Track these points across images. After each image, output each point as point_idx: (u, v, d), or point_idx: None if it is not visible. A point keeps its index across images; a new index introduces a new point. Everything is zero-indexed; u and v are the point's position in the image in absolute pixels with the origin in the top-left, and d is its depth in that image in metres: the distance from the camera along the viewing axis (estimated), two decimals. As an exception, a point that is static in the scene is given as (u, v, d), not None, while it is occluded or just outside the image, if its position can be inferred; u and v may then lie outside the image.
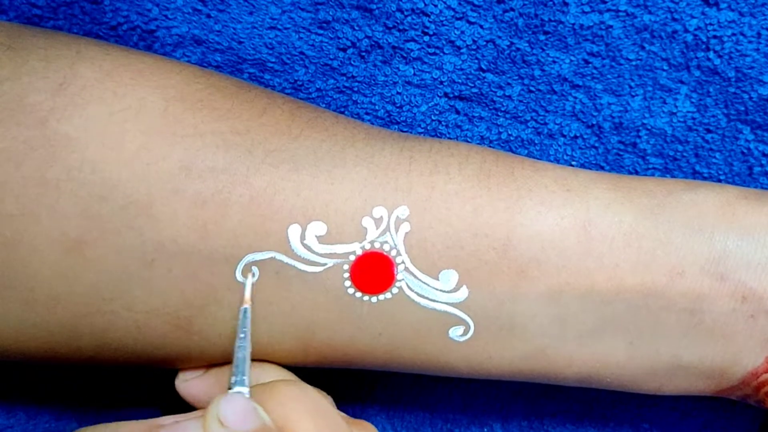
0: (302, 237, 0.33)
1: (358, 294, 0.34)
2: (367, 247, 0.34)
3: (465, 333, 0.35)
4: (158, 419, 0.32)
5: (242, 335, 0.33)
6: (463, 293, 0.34)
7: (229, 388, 0.32)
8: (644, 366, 0.36)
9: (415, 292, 0.34)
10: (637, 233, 0.35)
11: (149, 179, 0.33)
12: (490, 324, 0.35)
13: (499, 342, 0.35)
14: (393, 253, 0.34)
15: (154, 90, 0.34)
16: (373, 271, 0.34)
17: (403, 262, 0.34)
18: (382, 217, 0.34)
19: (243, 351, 0.33)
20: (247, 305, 0.34)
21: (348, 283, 0.34)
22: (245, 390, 0.32)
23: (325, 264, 0.34)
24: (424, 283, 0.34)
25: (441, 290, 0.34)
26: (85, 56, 0.35)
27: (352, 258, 0.34)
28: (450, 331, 0.35)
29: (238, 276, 0.34)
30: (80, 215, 0.32)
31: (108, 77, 0.34)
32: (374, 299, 0.34)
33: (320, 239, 0.33)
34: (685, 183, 0.37)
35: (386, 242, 0.34)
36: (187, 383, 0.37)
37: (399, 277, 0.34)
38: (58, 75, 0.34)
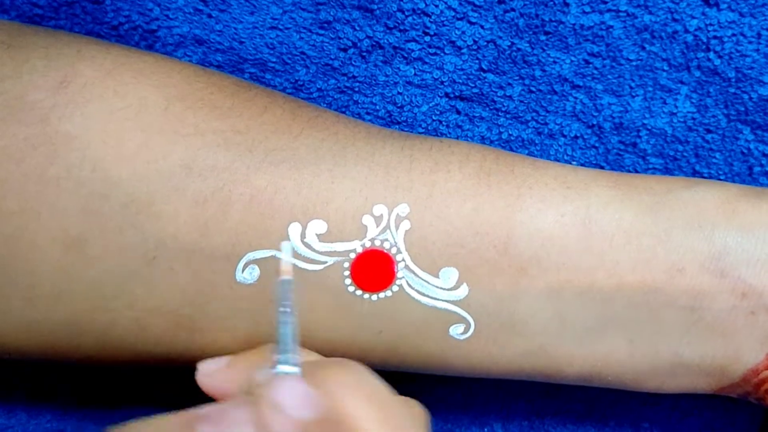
0: (303, 235, 0.33)
1: (359, 292, 0.34)
2: (368, 245, 0.34)
3: (465, 331, 0.35)
4: (196, 410, 0.29)
5: (285, 309, 0.30)
6: (463, 291, 0.34)
7: (272, 367, 0.29)
8: (645, 364, 0.36)
9: (416, 290, 0.34)
10: (637, 230, 0.35)
11: (150, 177, 0.33)
12: (490, 322, 0.35)
13: (500, 340, 0.35)
14: (393, 251, 0.34)
15: (154, 89, 0.34)
16: (374, 269, 0.34)
17: (403, 259, 0.34)
18: (382, 215, 0.34)
19: (287, 326, 0.29)
20: (287, 276, 0.30)
21: (348, 281, 0.34)
22: (294, 370, 0.29)
23: (325, 262, 0.34)
24: (425, 281, 0.34)
25: (441, 288, 0.34)
26: (86, 55, 0.35)
27: (353, 256, 0.34)
28: (450, 329, 0.35)
29: (239, 275, 0.34)
30: (81, 213, 0.33)
31: (109, 76, 0.34)
32: (374, 297, 0.34)
33: (321, 237, 0.34)
34: (685, 180, 0.37)
35: (386, 240, 0.34)
36: (211, 376, 0.33)
37: (399, 275, 0.34)
38: (59, 73, 0.34)
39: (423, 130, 0.44)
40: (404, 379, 0.43)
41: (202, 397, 0.44)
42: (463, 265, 0.34)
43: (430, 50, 0.42)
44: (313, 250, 0.33)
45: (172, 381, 0.43)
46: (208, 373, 0.33)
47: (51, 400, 0.44)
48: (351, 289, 0.34)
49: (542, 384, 0.43)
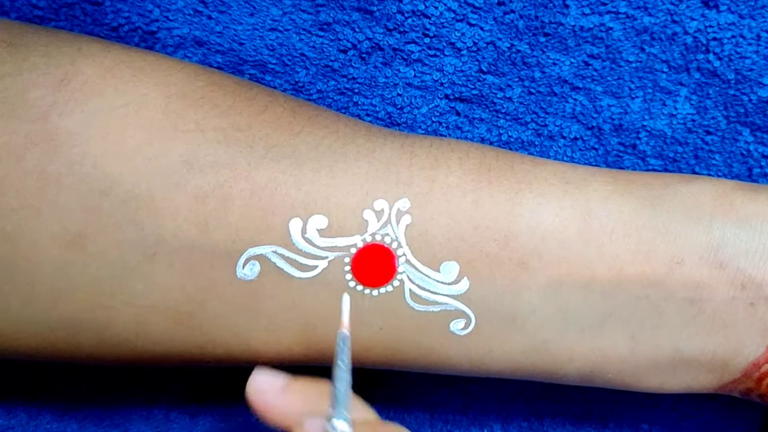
0: (303, 230, 0.33)
1: (360, 287, 0.34)
2: (369, 239, 0.34)
3: (466, 326, 0.35)
4: None
5: (341, 364, 0.31)
6: (464, 285, 0.34)
7: (327, 420, 0.29)
8: (646, 360, 0.36)
9: (417, 285, 0.34)
10: (636, 224, 0.35)
11: (150, 174, 0.33)
12: (491, 317, 0.35)
13: (501, 335, 0.35)
14: (394, 245, 0.34)
15: (155, 86, 0.35)
16: (375, 264, 0.34)
17: (404, 254, 0.34)
18: (383, 209, 0.34)
19: (343, 383, 0.30)
20: (345, 330, 0.32)
21: (349, 276, 0.34)
22: (347, 428, 0.29)
23: (326, 257, 0.34)
24: (425, 275, 0.34)
25: (442, 282, 0.34)
26: (87, 53, 0.35)
27: (354, 251, 0.34)
28: (451, 325, 0.35)
29: (239, 271, 0.34)
30: (81, 209, 0.33)
31: (109, 73, 0.34)
32: (375, 292, 0.34)
33: (321, 232, 0.33)
34: (682, 176, 0.37)
35: (387, 234, 0.34)
36: (262, 393, 0.33)
37: (400, 269, 0.34)
38: (60, 71, 0.34)
39: (423, 132, 0.44)
40: (404, 380, 0.43)
41: (202, 398, 0.44)
42: (463, 259, 0.34)
43: (430, 52, 0.42)
44: (314, 245, 0.33)
45: (173, 382, 0.43)
46: (260, 389, 0.33)
47: (51, 400, 0.44)
48: (352, 284, 0.34)
49: (541, 385, 0.43)
